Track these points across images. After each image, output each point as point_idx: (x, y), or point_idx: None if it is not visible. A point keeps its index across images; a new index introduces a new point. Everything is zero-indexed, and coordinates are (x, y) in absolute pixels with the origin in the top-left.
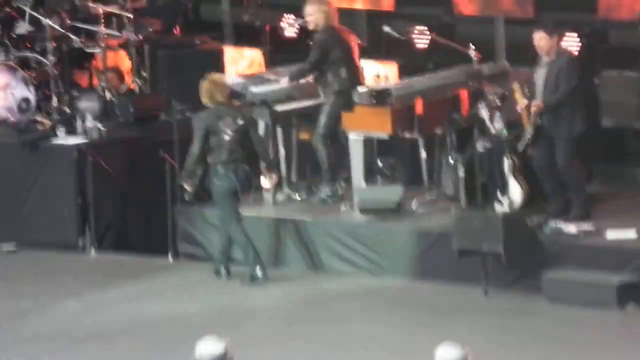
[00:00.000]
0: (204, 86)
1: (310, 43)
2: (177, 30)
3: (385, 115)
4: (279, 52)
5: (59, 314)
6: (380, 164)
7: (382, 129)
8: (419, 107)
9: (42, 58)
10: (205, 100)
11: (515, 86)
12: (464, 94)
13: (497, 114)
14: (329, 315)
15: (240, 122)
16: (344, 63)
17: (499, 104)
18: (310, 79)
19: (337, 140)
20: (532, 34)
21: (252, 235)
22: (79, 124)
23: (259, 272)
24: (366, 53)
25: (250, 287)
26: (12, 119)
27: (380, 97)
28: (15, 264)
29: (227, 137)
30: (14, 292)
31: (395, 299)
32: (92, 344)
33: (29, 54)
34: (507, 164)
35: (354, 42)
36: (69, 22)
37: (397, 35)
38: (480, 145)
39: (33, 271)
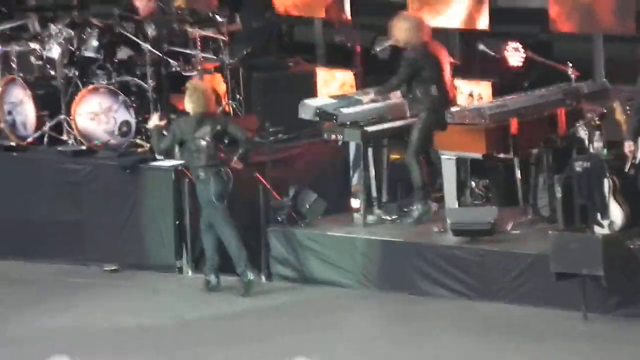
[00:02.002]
0: (187, 92)
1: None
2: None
3: (479, 135)
4: (371, 73)
5: (158, 332)
6: (473, 185)
7: (476, 149)
8: (513, 126)
9: (141, 82)
10: (187, 107)
11: (616, 105)
12: (561, 113)
13: (597, 133)
14: (419, 336)
15: (218, 127)
16: (434, 81)
17: (598, 123)
18: (399, 97)
19: (429, 160)
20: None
21: (343, 257)
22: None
23: (250, 275)
24: (460, 72)
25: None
26: (113, 142)
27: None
28: (115, 282)
29: (204, 143)
30: (111, 309)
31: (488, 322)
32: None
33: (129, 78)
34: (607, 184)
35: (446, 59)
36: (166, 46)
37: (491, 53)
38: (579, 166)
39: (132, 291)
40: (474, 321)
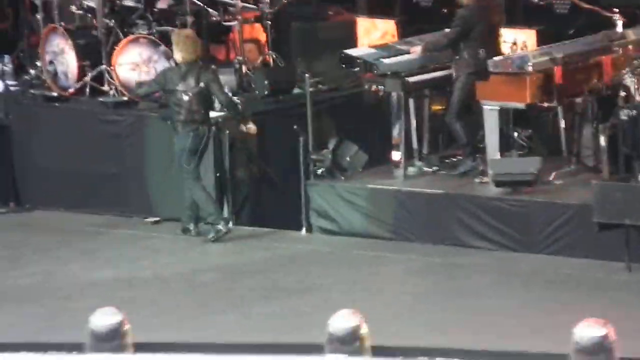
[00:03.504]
0: (174, 41)
1: (445, 11)
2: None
3: (522, 84)
4: (413, 22)
5: (201, 283)
6: (516, 135)
7: (519, 99)
8: (558, 75)
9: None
10: (176, 56)
11: None
12: (607, 61)
13: None
14: (462, 290)
15: (202, 85)
16: (483, 42)
17: None
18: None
19: (471, 112)
20: None
21: (383, 209)
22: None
23: (222, 227)
24: (504, 21)
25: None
26: (157, 94)
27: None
28: (158, 235)
29: (186, 97)
30: (155, 260)
31: (531, 274)
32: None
33: (169, 28)
34: None
35: (500, 18)
36: None
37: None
38: (625, 114)
39: (174, 242)
40: (516, 273)
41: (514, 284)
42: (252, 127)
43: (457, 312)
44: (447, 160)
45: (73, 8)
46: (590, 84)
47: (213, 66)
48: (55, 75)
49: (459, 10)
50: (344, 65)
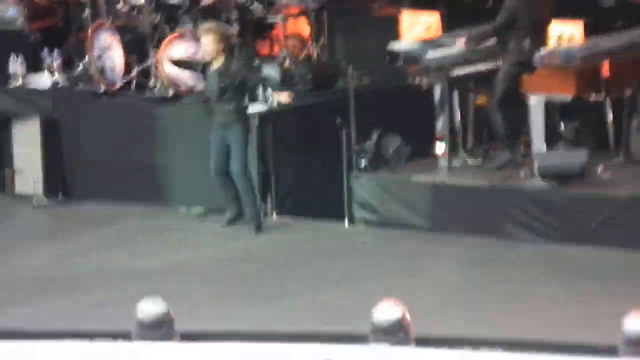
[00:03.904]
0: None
1: (490, 4)
2: None
3: (569, 77)
4: (457, 15)
5: (245, 272)
6: (563, 128)
7: (566, 91)
8: (605, 67)
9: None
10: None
11: None
12: None
13: None
14: (507, 281)
15: (222, 84)
16: (529, 33)
17: None
18: (489, 42)
19: (516, 104)
20: None
21: (427, 202)
22: (260, 91)
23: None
24: (551, 13)
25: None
26: (199, 88)
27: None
28: (203, 226)
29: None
30: (200, 250)
31: (579, 266)
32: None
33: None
34: None
35: (548, 10)
36: None
37: None
38: None
39: (219, 233)
40: (564, 266)
41: (561, 275)
42: (283, 95)
43: (502, 304)
44: (491, 153)
45: (120, 4)
46: (638, 77)
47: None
48: (102, 70)
49: (505, 0)
50: (387, 59)
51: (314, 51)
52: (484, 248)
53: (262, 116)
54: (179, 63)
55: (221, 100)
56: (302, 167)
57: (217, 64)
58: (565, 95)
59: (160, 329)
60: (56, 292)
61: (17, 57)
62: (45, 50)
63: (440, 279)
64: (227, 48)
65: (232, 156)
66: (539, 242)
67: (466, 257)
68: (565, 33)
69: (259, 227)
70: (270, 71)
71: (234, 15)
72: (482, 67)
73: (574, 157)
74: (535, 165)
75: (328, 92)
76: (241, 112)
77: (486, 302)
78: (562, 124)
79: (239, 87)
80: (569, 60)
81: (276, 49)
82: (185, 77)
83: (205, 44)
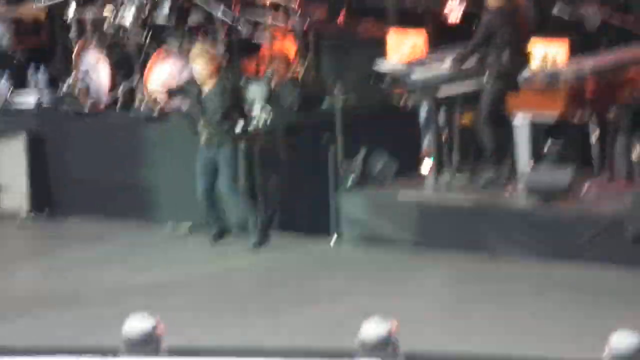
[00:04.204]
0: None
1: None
2: (342, 17)
3: (554, 97)
4: (443, 34)
5: (232, 288)
6: (548, 147)
7: (551, 110)
8: (590, 86)
9: (210, 45)
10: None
11: None
12: None
13: None
14: (495, 297)
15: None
16: (507, 46)
17: None
18: (473, 61)
19: (501, 123)
20: None
21: (414, 220)
22: (246, 111)
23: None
24: (534, 32)
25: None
26: (184, 107)
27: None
28: (190, 242)
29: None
30: (188, 266)
31: (566, 283)
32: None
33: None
34: None
35: (528, 23)
36: (237, 13)
37: (566, 17)
38: None
39: (205, 249)
40: (551, 282)
41: (547, 292)
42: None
43: (490, 320)
44: (478, 172)
45: (106, 25)
46: (623, 96)
47: None
48: (87, 89)
49: (483, 15)
50: (373, 79)
51: (300, 71)
52: (471, 264)
53: (250, 134)
54: (171, 93)
55: (219, 120)
56: (290, 184)
57: (210, 86)
58: (551, 114)
59: (147, 345)
60: (42, 309)
61: (3, 75)
62: (31, 69)
63: (428, 296)
64: (218, 68)
65: (222, 176)
66: (525, 258)
67: (453, 274)
68: (550, 52)
69: (262, 242)
70: (257, 91)
71: (221, 35)
72: (467, 86)
73: (560, 175)
74: (522, 182)
75: (314, 111)
76: (232, 131)
77: (474, 319)
78: (547, 143)
79: (234, 106)
80: (554, 84)
81: (262, 68)
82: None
83: (198, 68)
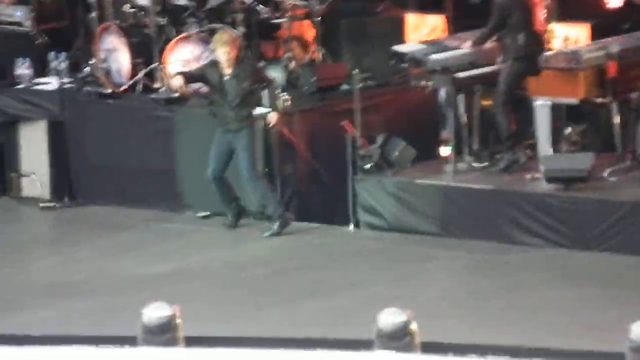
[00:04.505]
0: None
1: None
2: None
3: (576, 80)
4: (463, 18)
5: (248, 278)
6: (569, 131)
7: (572, 94)
8: (612, 69)
9: (232, 29)
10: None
11: None
12: None
13: None
14: (513, 287)
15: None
16: (522, 28)
17: None
18: (493, 43)
19: (521, 107)
20: None
21: (432, 205)
22: (265, 94)
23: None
24: (556, 14)
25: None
26: (204, 90)
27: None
28: (208, 228)
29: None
30: (206, 254)
31: (584, 272)
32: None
33: (219, 25)
34: None
35: (539, 4)
36: None
37: None
38: None
39: (225, 236)
40: (569, 271)
41: (566, 281)
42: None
43: (508, 309)
44: (497, 157)
45: (126, 7)
46: None
47: None
48: (108, 72)
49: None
50: (392, 61)
51: (318, 54)
52: (489, 253)
53: (267, 118)
54: (191, 77)
55: (239, 105)
56: (307, 169)
57: (230, 71)
58: (572, 98)
59: (165, 334)
60: (62, 298)
61: (24, 59)
62: (52, 53)
63: (446, 284)
64: (240, 54)
65: (241, 160)
66: (544, 246)
67: (472, 262)
68: (572, 35)
69: (283, 225)
70: (275, 73)
71: (240, 17)
72: (486, 69)
73: (580, 161)
74: (541, 168)
75: (333, 94)
76: (251, 116)
77: (492, 308)
78: (568, 127)
79: (253, 91)
80: (575, 62)
81: (281, 51)
82: None
83: (221, 53)
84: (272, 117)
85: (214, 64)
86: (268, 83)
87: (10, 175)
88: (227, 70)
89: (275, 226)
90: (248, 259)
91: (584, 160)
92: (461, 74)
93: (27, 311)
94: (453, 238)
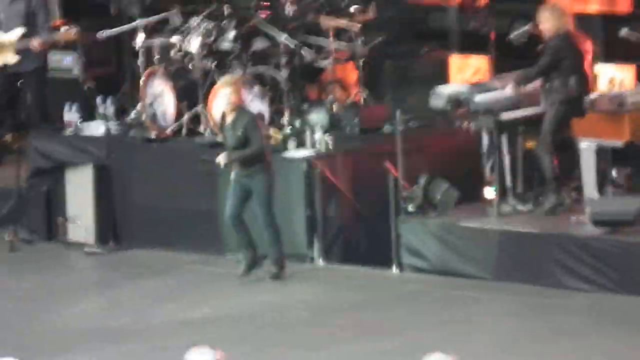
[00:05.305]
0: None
1: (540, 48)
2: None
3: (621, 122)
4: (506, 59)
5: (292, 321)
6: (615, 174)
7: (617, 137)
8: None
9: (275, 73)
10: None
11: None
12: None
13: None
14: (558, 331)
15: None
16: (574, 71)
17: None
18: (537, 85)
19: (567, 148)
20: None
21: (476, 248)
22: (308, 136)
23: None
24: (601, 56)
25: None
26: None
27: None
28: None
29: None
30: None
31: (631, 316)
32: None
33: (263, 68)
34: None
35: (589, 49)
36: (300, 36)
37: (634, 38)
38: None
39: (266, 280)
40: (616, 316)
41: (613, 326)
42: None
43: (555, 354)
44: (541, 199)
45: (172, 51)
46: None
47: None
48: (154, 116)
49: (549, 41)
50: (435, 103)
51: (361, 95)
52: (535, 297)
53: (309, 161)
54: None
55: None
56: (350, 211)
57: (230, 117)
58: (617, 140)
59: None
60: (105, 342)
61: (72, 105)
62: (100, 98)
63: (491, 329)
64: (241, 102)
65: (255, 207)
66: (590, 290)
67: (517, 306)
68: (618, 76)
69: (277, 275)
70: (319, 115)
71: (284, 60)
72: (530, 110)
73: (627, 204)
74: (588, 211)
75: (375, 136)
76: (262, 160)
77: (539, 353)
78: (614, 170)
79: (247, 142)
80: (621, 105)
81: (324, 93)
82: None
83: (225, 96)
84: (220, 160)
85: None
86: (254, 141)
87: (57, 220)
88: (229, 116)
89: (274, 269)
90: (291, 301)
91: (630, 204)
92: (505, 115)
93: (69, 356)
94: (498, 281)
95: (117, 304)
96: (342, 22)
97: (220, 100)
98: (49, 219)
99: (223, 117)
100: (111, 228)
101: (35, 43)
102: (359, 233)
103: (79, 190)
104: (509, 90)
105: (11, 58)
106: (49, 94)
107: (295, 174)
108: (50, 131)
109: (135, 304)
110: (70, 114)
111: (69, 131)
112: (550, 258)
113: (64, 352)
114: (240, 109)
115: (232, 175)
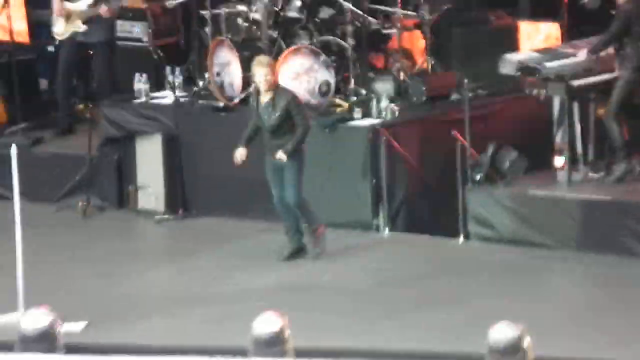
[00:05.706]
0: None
1: (613, 13)
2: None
3: None
4: (578, 25)
5: (355, 291)
6: None
7: None
8: None
9: (342, 41)
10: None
11: None
12: None
13: None
14: (630, 302)
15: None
16: None
17: None
18: (611, 50)
19: (636, 116)
20: None
21: (545, 217)
22: (373, 105)
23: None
24: None
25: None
26: (314, 102)
27: None
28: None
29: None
30: (313, 267)
31: None
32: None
33: (330, 37)
34: None
35: None
36: (367, 4)
37: None
38: None
39: (332, 249)
40: None
41: None
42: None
43: (627, 326)
44: (612, 167)
45: (239, 20)
46: None
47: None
48: (222, 86)
49: (619, 5)
50: (504, 70)
51: (428, 63)
52: (607, 266)
53: (375, 130)
54: None
55: (273, 133)
56: (416, 180)
57: (267, 97)
58: None
59: (274, 346)
60: (176, 308)
61: (142, 74)
62: (168, 68)
63: (561, 299)
64: (277, 82)
65: (286, 189)
66: None
67: (588, 276)
68: None
69: (291, 255)
70: (385, 84)
71: (350, 28)
72: (602, 76)
73: None
74: None
75: (442, 104)
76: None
77: (609, 324)
78: None
79: (288, 121)
80: None
81: (391, 62)
82: (301, 92)
83: (262, 76)
84: (281, 156)
85: (256, 89)
86: (300, 122)
87: (128, 189)
88: (265, 96)
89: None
90: (356, 270)
91: None
92: (576, 82)
93: (143, 321)
94: (568, 251)
95: (188, 271)
96: None
97: (257, 80)
98: (120, 187)
99: (257, 96)
100: (180, 196)
101: (103, 9)
102: (425, 202)
103: (149, 158)
104: (581, 56)
105: (80, 27)
106: (118, 64)
107: (361, 142)
108: (120, 101)
109: (205, 271)
110: (140, 84)
111: (138, 100)
112: (622, 226)
113: (136, 319)
114: (278, 88)
115: (267, 163)
